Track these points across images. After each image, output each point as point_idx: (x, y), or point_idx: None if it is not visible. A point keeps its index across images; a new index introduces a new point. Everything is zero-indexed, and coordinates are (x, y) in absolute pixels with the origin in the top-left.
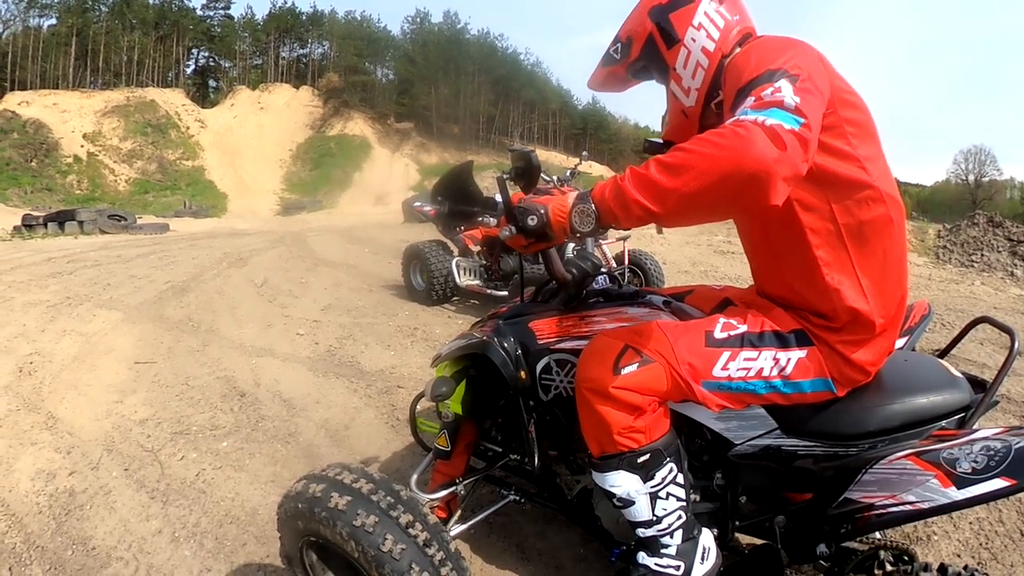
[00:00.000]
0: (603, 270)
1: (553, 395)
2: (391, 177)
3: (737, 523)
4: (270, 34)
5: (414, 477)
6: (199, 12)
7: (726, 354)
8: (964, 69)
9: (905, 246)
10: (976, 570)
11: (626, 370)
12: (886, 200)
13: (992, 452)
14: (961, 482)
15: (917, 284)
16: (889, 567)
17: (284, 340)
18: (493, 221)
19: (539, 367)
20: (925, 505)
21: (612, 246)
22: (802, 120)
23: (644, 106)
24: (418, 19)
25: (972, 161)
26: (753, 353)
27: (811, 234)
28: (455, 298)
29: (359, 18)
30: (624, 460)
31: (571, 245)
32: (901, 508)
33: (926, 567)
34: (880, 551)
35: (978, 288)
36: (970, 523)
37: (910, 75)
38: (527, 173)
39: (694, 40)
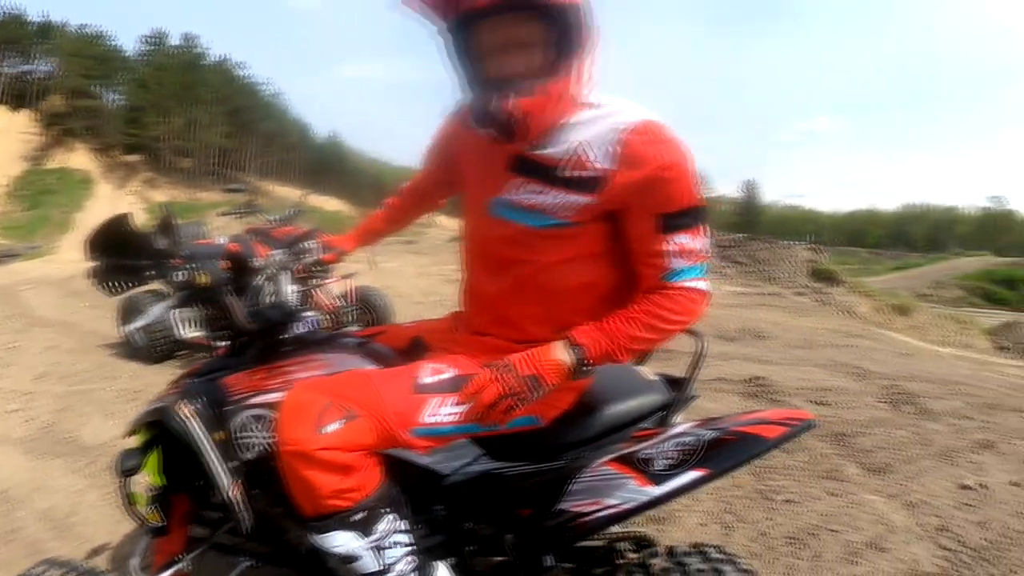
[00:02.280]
0: (309, 314)
1: (256, 453)
2: None
3: (470, 548)
4: None
5: (134, 561)
6: None
7: (435, 400)
8: (680, 105)
9: None
10: (705, 545)
11: (330, 428)
12: None
13: (684, 446)
14: (658, 479)
15: None
16: (631, 555)
17: None
18: (178, 276)
19: (235, 425)
20: (628, 506)
21: (337, 284)
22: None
23: (383, 141)
24: (155, 39)
25: None
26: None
27: (579, 284)
28: (180, 353)
29: (92, 33)
30: (339, 520)
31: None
32: (607, 512)
33: (653, 553)
34: (617, 543)
35: None
36: (709, 493)
37: None
38: (166, 228)
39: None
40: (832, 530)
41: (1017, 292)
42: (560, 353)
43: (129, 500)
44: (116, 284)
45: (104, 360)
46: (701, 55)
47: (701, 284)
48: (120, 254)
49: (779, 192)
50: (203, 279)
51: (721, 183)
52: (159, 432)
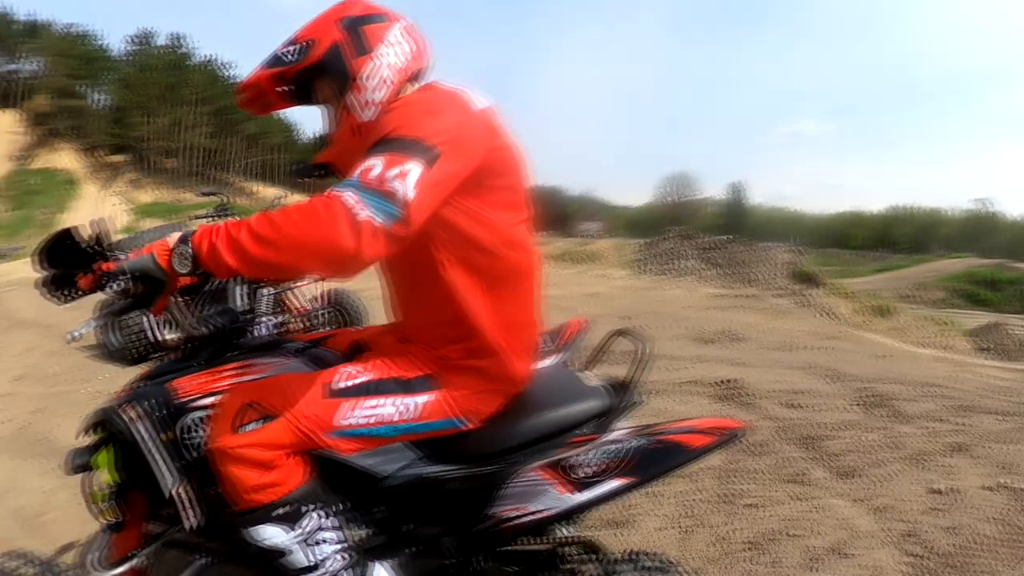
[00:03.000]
0: (264, 318)
1: (202, 452)
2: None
3: (411, 550)
4: None
5: (91, 556)
6: None
7: (347, 404)
8: (668, 107)
9: (536, 286)
10: (643, 552)
11: (247, 428)
12: (521, 250)
13: (611, 454)
14: (581, 486)
15: (616, 294)
16: (575, 561)
17: None
18: (117, 286)
19: (180, 427)
20: (549, 513)
21: (309, 287)
22: (400, 215)
23: None
24: (142, 39)
25: (675, 185)
26: (375, 401)
27: (449, 281)
28: (156, 355)
29: (79, 33)
30: (264, 514)
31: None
32: (530, 518)
33: (587, 560)
34: (562, 547)
35: (673, 292)
36: (671, 497)
37: (621, 112)
38: (100, 240)
39: (384, 55)
40: (793, 535)
41: (1000, 293)
42: (176, 236)
43: (91, 498)
44: (63, 294)
45: (81, 362)
46: (684, 60)
47: (350, 197)
48: (66, 265)
49: (765, 194)
50: (140, 288)
51: (708, 185)
52: (112, 432)
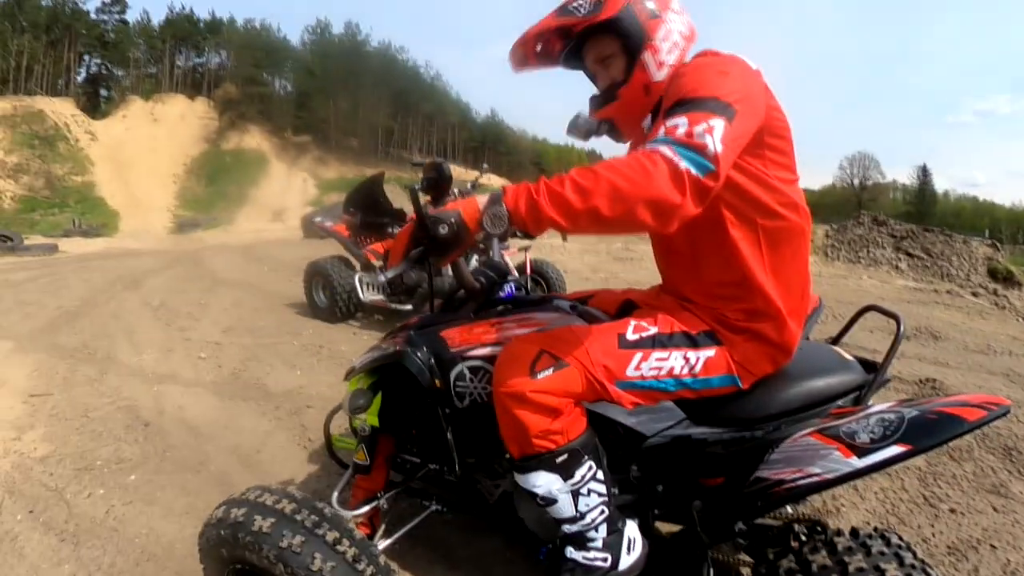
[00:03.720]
0: (510, 278)
1: (468, 402)
2: (289, 192)
3: (657, 511)
4: (166, 41)
5: (335, 495)
6: (93, 16)
7: (638, 355)
8: (846, 83)
9: (809, 249)
10: (885, 530)
11: (542, 374)
12: (797, 212)
13: (887, 423)
14: (861, 452)
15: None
16: (804, 538)
17: (186, 364)
18: (443, 230)
19: (453, 375)
20: (831, 475)
21: (513, 256)
22: (713, 169)
23: (544, 120)
24: (318, 29)
25: (857, 166)
26: (664, 353)
27: (734, 242)
28: (359, 314)
29: (258, 27)
30: (544, 461)
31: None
32: (809, 480)
33: (839, 532)
34: (794, 524)
35: (866, 282)
36: (875, 493)
37: (795, 88)
38: (438, 184)
39: (672, 20)
40: (992, 546)
41: None
42: (483, 198)
43: (331, 442)
44: (365, 236)
45: (287, 317)
46: (857, 29)
47: (667, 151)
48: (372, 211)
49: (953, 180)
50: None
51: (891, 167)
52: (380, 378)
